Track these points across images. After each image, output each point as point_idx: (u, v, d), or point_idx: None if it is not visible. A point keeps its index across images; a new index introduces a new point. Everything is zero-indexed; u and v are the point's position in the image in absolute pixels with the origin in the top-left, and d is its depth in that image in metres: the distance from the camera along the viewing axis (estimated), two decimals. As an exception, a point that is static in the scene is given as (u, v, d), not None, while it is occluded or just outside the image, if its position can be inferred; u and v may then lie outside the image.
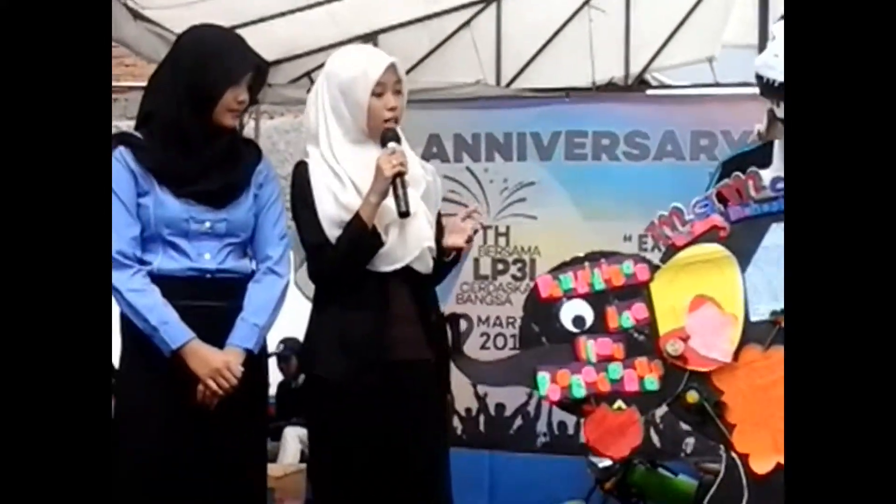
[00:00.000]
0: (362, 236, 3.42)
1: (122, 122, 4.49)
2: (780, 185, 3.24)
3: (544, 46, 5.69)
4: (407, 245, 3.50)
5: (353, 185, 3.48)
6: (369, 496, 3.44)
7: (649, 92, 5.87)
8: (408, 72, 5.48)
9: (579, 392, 3.28)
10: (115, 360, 3.31)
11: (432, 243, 3.56)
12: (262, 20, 5.20)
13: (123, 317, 3.35)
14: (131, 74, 7.92)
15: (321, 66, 5.14)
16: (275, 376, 7.49)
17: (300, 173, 3.54)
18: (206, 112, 3.35)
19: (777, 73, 3.16)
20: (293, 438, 7.58)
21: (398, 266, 3.50)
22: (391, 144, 3.47)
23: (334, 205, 3.47)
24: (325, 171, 3.51)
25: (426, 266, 3.56)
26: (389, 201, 3.44)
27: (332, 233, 3.46)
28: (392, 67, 3.52)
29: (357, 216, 3.42)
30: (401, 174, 3.41)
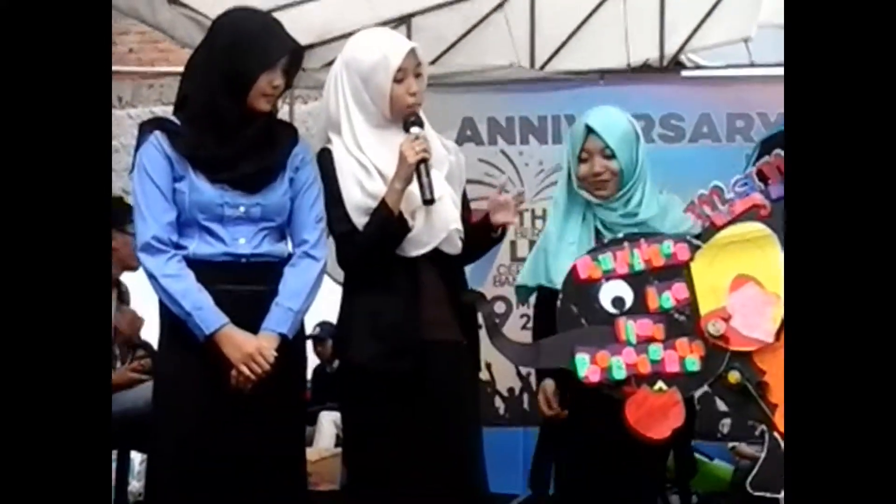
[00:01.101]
0: (389, 223, 3.42)
1: (158, 108, 4.50)
2: (823, 162, 3.21)
3: (578, 28, 5.64)
4: (434, 228, 3.49)
5: (378, 172, 3.47)
6: (403, 479, 3.43)
7: (684, 73, 5.82)
8: (441, 55, 5.55)
9: (620, 374, 3.26)
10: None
11: (459, 225, 3.56)
12: (295, 4, 5.18)
13: (161, 302, 3.35)
14: (166, 60, 7.89)
15: (355, 50, 5.15)
16: (311, 360, 7.47)
17: (324, 161, 3.53)
18: (241, 96, 3.34)
19: None
20: (328, 423, 7.59)
21: (426, 250, 3.49)
22: (414, 129, 3.46)
23: (360, 193, 3.47)
24: (350, 159, 3.49)
25: (454, 247, 3.55)
26: (414, 186, 3.43)
27: (360, 220, 3.45)
28: (412, 52, 3.49)
29: (383, 203, 3.42)
30: (424, 160, 3.40)
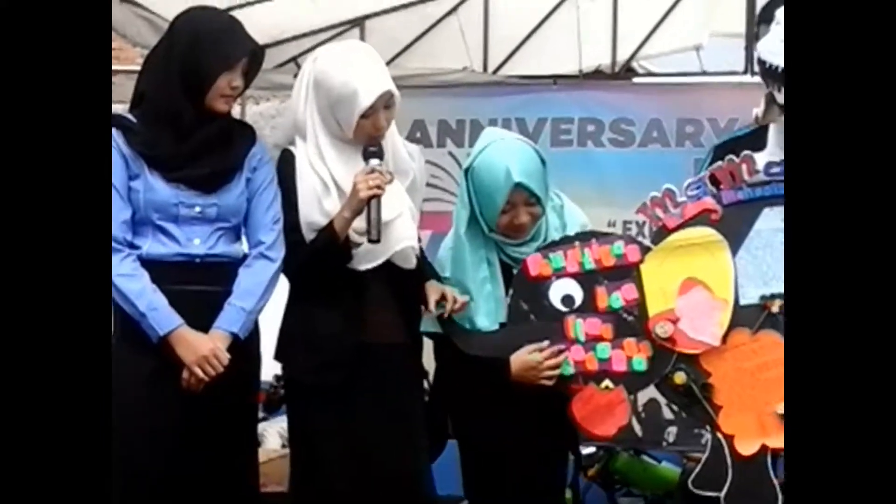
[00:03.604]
0: (332, 247, 3.40)
1: (108, 106, 4.48)
2: (774, 169, 3.26)
3: (532, 33, 5.68)
4: (389, 243, 3.45)
5: (337, 190, 3.43)
6: (349, 482, 3.43)
7: (636, 80, 5.88)
8: (395, 57, 5.56)
9: (567, 370, 3.30)
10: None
11: (414, 242, 3.52)
12: (247, 4, 5.18)
13: (115, 301, 3.33)
14: (116, 58, 7.86)
15: (307, 51, 5.15)
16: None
17: (286, 165, 3.50)
18: (199, 97, 3.33)
19: (780, 59, 3.16)
20: (273, 425, 7.49)
21: (377, 263, 3.47)
22: (372, 162, 3.39)
23: (317, 211, 3.44)
24: (311, 173, 3.47)
25: (408, 262, 3.52)
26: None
27: (310, 235, 3.44)
28: (386, 91, 3.41)
29: (330, 226, 3.39)
30: (377, 196, 3.34)
